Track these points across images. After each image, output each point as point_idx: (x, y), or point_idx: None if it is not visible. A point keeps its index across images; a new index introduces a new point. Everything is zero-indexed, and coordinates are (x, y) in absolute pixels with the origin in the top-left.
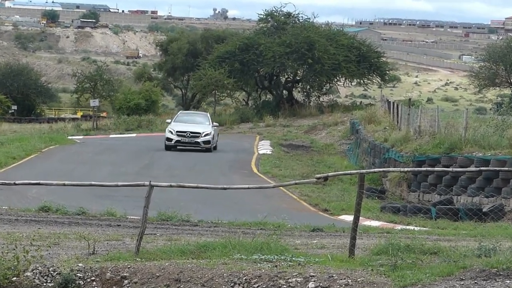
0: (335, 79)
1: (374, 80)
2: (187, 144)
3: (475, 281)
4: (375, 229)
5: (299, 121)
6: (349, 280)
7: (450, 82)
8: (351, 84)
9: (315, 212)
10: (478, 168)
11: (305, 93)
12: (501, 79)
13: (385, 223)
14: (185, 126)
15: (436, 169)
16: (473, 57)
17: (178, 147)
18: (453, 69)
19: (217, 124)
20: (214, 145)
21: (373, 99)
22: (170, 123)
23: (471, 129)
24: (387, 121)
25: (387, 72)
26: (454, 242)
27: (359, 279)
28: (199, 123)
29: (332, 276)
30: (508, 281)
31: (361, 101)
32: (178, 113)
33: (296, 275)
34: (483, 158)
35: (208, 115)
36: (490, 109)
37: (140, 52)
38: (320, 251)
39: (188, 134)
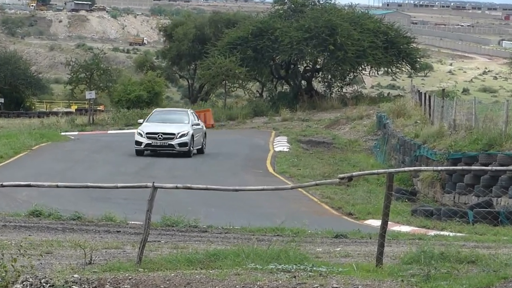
0: (360, 68)
1: (403, 69)
2: (159, 147)
3: None
4: (405, 235)
5: (319, 115)
6: None
7: (489, 71)
8: (377, 73)
9: (338, 216)
10: None
11: (326, 84)
12: None
13: (417, 228)
14: (157, 127)
15: (473, 167)
16: None
17: (149, 152)
18: (492, 56)
19: (201, 123)
20: (199, 147)
21: (402, 90)
22: (142, 123)
23: None
24: (418, 114)
25: (418, 59)
26: (494, 250)
27: None
28: (175, 122)
29: None
30: None
31: (388, 92)
32: (153, 111)
33: (317, 287)
34: None
35: (190, 112)
36: None
37: (144, 38)
38: (344, 260)
39: (159, 136)
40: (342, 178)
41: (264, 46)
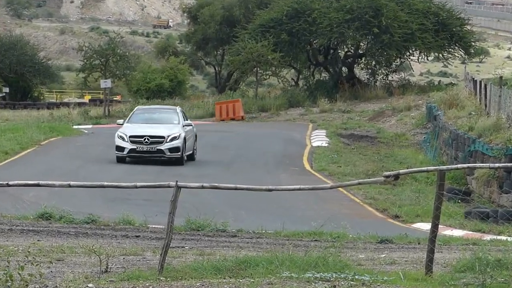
0: (407, 53)
1: (456, 54)
2: (146, 153)
3: None
4: (458, 240)
5: (362, 106)
6: None
7: None
8: (427, 59)
9: (383, 219)
10: None
11: (370, 71)
12: None
13: (471, 232)
14: (142, 128)
15: None
16: None
17: (132, 159)
18: None
19: (191, 123)
20: (190, 152)
21: (455, 77)
22: (122, 124)
23: None
24: (473, 105)
25: (473, 43)
26: None
27: None
28: (162, 123)
29: None
30: None
31: (439, 80)
32: (135, 109)
33: None
34: None
35: (179, 110)
36: None
37: (170, 20)
38: (390, 268)
39: (146, 140)
40: (387, 177)
41: (300, 29)
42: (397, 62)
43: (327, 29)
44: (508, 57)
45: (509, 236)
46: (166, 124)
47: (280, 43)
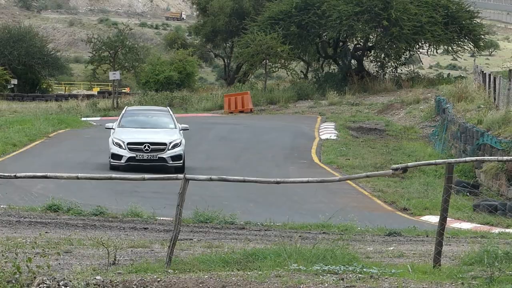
0: (417, 46)
1: (465, 47)
2: (146, 162)
3: None
4: (467, 233)
5: (371, 98)
6: None
7: None
8: (436, 52)
9: (392, 211)
10: None
11: (379, 63)
12: None
13: (479, 225)
14: (140, 134)
15: None
16: None
17: (131, 167)
18: None
19: (187, 126)
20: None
21: (464, 70)
22: (113, 129)
23: None
24: (482, 98)
25: (482, 36)
26: None
27: None
28: (158, 127)
29: None
30: None
31: (449, 73)
32: (124, 110)
33: None
34: None
35: (170, 111)
36: None
37: (183, 12)
38: (398, 261)
39: (146, 148)
40: (396, 169)
41: (309, 21)
42: (406, 55)
43: (336, 21)
44: None
45: None
46: (162, 128)
47: (290, 36)
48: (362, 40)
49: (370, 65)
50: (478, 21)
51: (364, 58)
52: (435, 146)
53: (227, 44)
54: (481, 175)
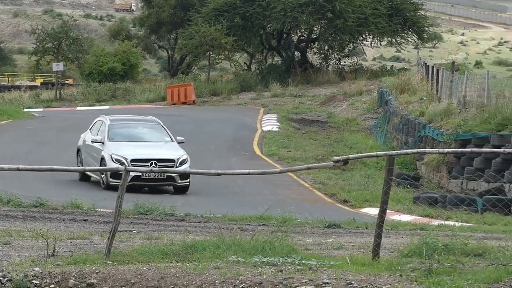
0: (361, 38)
1: (409, 39)
2: (153, 182)
3: None
4: (406, 225)
5: (314, 90)
6: None
7: (505, 42)
8: (380, 44)
9: (332, 204)
10: None
11: (323, 55)
12: None
13: (419, 217)
14: (142, 149)
15: (484, 150)
16: None
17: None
18: (509, 25)
19: (183, 139)
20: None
21: (408, 62)
22: (101, 142)
23: None
24: (425, 90)
25: (426, 28)
26: (504, 241)
27: (384, 287)
28: (156, 140)
29: (351, 284)
30: None
31: (392, 65)
32: (107, 121)
33: (306, 282)
34: None
35: (161, 122)
36: None
37: (132, 4)
38: (337, 253)
39: (153, 164)
40: (337, 161)
41: (254, 13)
42: (350, 46)
43: (280, 13)
44: (461, 42)
45: (457, 221)
46: (159, 142)
47: (234, 27)
48: (306, 32)
49: (313, 57)
50: (422, 13)
51: (308, 50)
52: (377, 138)
53: (171, 36)
54: (422, 167)
